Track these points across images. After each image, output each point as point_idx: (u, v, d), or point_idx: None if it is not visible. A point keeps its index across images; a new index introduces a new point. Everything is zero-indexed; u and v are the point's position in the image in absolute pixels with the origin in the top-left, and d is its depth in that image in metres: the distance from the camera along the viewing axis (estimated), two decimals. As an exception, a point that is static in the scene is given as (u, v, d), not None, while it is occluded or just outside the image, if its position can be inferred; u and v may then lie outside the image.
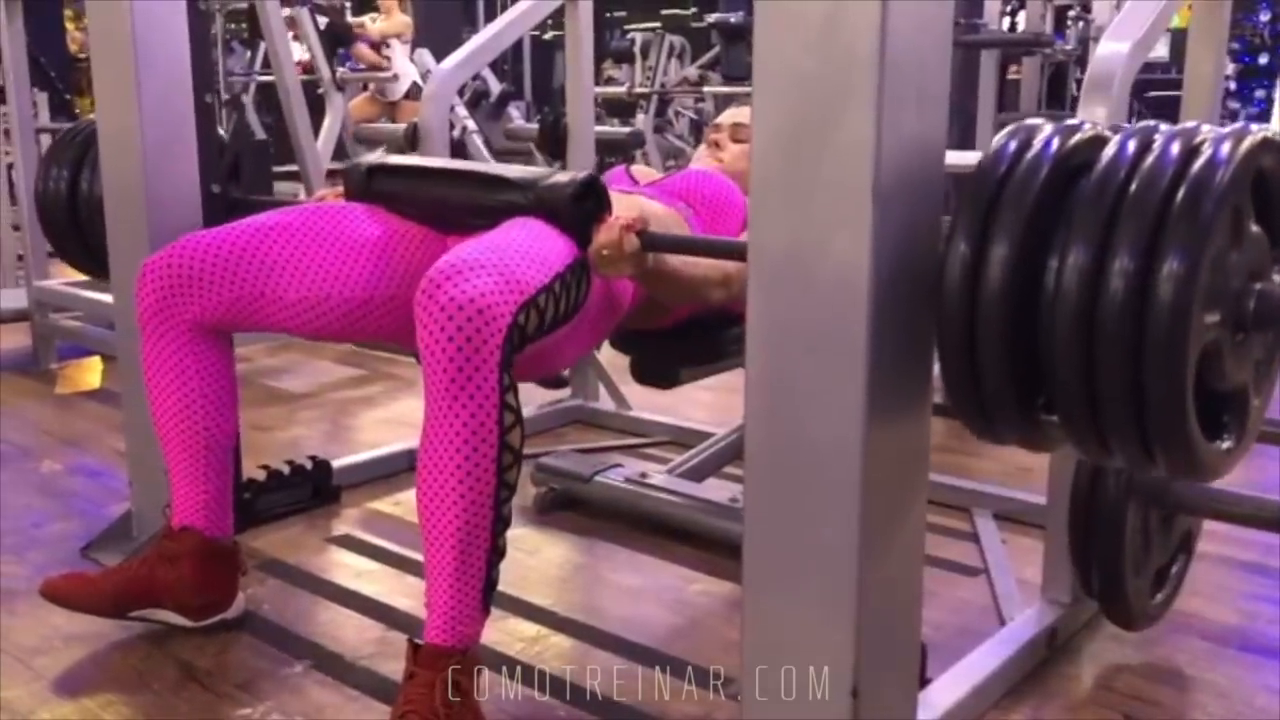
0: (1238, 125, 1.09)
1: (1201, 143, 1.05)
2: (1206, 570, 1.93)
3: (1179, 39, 6.66)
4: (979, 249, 1.08)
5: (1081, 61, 6.44)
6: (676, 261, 1.63)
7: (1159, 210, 1.01)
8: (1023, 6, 6.74)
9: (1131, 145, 1.07)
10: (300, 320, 1.68)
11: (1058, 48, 6.40)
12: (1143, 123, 1.13)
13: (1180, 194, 1.01)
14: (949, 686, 1.49)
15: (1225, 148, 1.03)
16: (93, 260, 2.20)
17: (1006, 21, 7.04)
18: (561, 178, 1.62)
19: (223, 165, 2.25)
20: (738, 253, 1.40)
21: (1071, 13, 6.50)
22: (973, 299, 1.08)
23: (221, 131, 2.38)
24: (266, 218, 1.72)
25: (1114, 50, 1.55)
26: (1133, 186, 1.03)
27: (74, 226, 2.20)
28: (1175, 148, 1.05)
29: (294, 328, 1.70)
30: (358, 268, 1.68)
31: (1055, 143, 1.11)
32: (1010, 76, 6.80)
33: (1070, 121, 1.15)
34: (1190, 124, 1.11)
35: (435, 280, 1.37)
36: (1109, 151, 1.08)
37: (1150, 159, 1.05)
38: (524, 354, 1.43)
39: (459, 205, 1.73)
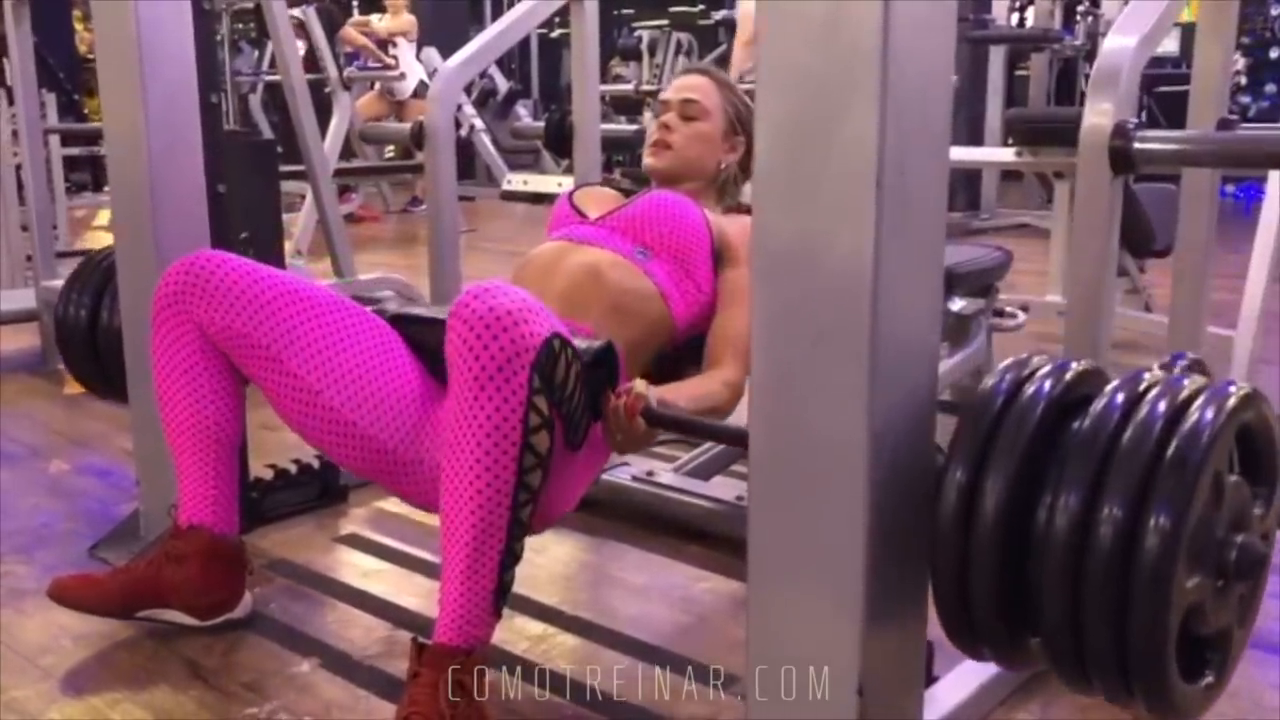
0: (1220, 384, 1.13)
1: (1189, 401, 1.09)
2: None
3: (1189, 33, 6.63)
4: (974, 483, 1.12)
5: (1090, 57, 6.42)
6: (691, 409, 1.60)
7: (1147, 466, 1.06)
8: (1031, 2, 6.72)
9: (1120, 399, 1.12)
10: (284, 396, 1.61)
11: (1066, 43, 6.39)
12: (1129, 372, 1.17)
13: (1168, 454, 1.05)
14: (955, 685, 1.48)
15: (1210, 412, 1.08)
16: (109, 387, 2.23)
17: (1015, 17, 7.02)
18: (580, 343, 1.53)
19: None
20: (738, 439, 1.39)
21: (1080, 8, 6.48)
22: (967, 527, 1.12)
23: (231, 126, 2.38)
24: (312, 284, 1.68)
25: (1121, 44, 1.55)
26: (1123, 440, 1.08)
27: (92, 355, 2.22)
28: (1162, 406, 1.09)
29: (275, 398, 1.63)
30: (362, 391, 1.59)
31: (1048, 384, 1.15)
32: (1019, 72, 6.78)
33: (1061, 361, 1.20)
34: (1176, 375, 1.15)
35: (473, 293, 1.37)
36: (1099, 405, 1.12)
37: (1140, 415, 1.09)
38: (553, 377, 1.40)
39: None
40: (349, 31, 7.38)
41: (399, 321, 1.71)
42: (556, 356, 1.38)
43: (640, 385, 1.51)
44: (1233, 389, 1.11)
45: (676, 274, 1.80)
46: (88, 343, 2.23)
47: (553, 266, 1.78)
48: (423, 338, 1.67)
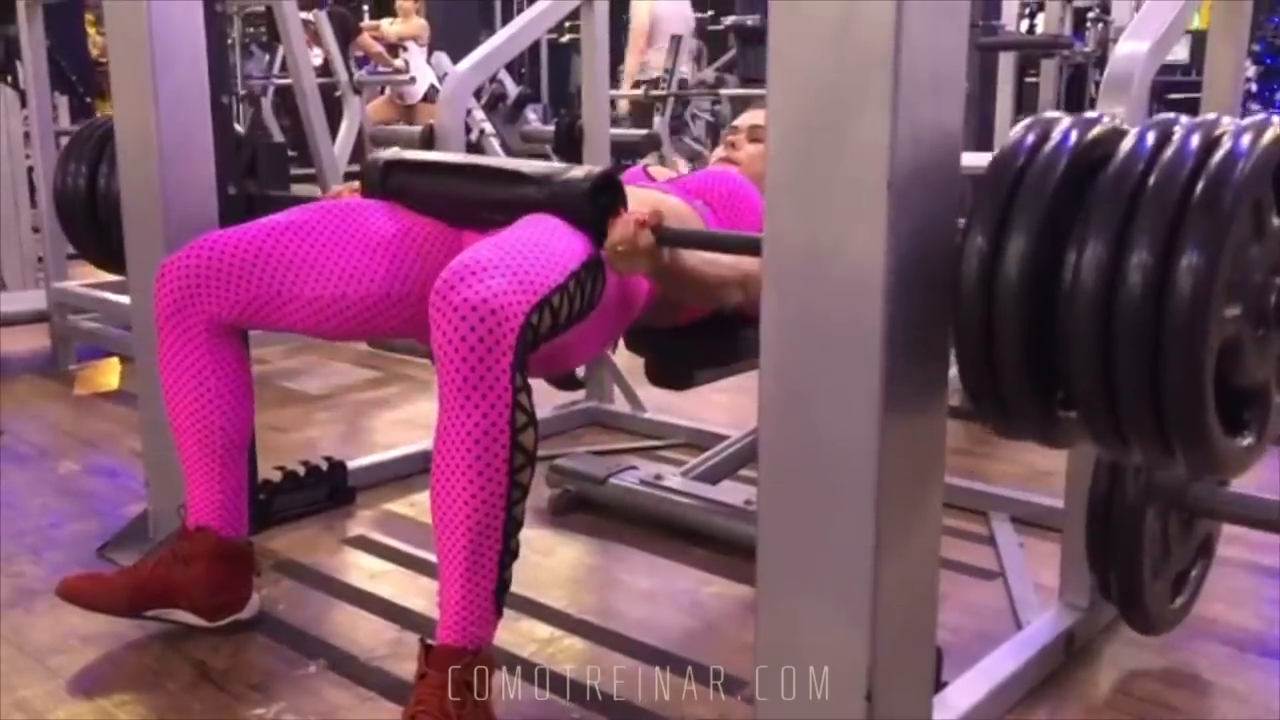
0: (1259, 117, 1.08)
1: (1221, 135, 1.04)
2: (1227, 575, 1.91)
3: (1199, 41, 6.61)
4: (996, 242, 1.07)
5: (1100, 63, 6.39)
6: (694, 260, 1.62)
7: (1178, 203, 1.00)
8: (1041, 8, 6.71)
9: (1150, 137, 1.06)
10: (317, 319, 1.68)
11: (1076, 50, 6.37)
12: (1162, 115, 1.11)
13: (1200, 187, 1.00)
14: (964, 690, 1.47)
15: (1246, 140, 1.02)
16: (110, 256, 2.21)
17: (1025, 24, 7.01)
18: (578, 172, 1.62)
19: (240, 162, 2.25)
20: (753, 247, 1.39)
21: (1091, 14, 6.46)
22: (990, 293, 1.07)
23: (239, 128, 2.39)
24: (283, 217, 1.72)
25: (1133, 49, 1.54)
26: (1151, 179, 1.02)
27: (92, 223, 2.21)
28: (1195, 140, 1.03)
29: (310, 327, 1.70)
30: (373, 266, 1.68)
31: (1073, 135, 1.09)
32: (1028, 79, 6.77)
33: (1089, 114, 1.14)
34: (1210, 116, 1.09)
35: (449, 281, 1.37)
36: (1127, 144, 1.07)
37: (1169, 151, 1.04)
38: (538, 353, 1.42)
39: (475, 200, 1.73)
40: (366, 39, 7.36)
41: (389, 167, 1.81)
42: (538, 326, 1.40)
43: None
44: (1276, 119, 1.04)
45: (728, 225, 1.89)
46: (88, 211, 2.22)
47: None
48: (411, 182, 1.78)
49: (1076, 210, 1.06)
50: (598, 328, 1.63)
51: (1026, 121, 1.14)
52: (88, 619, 1.72)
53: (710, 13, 10.53)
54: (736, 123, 2.21)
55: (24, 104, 3.85)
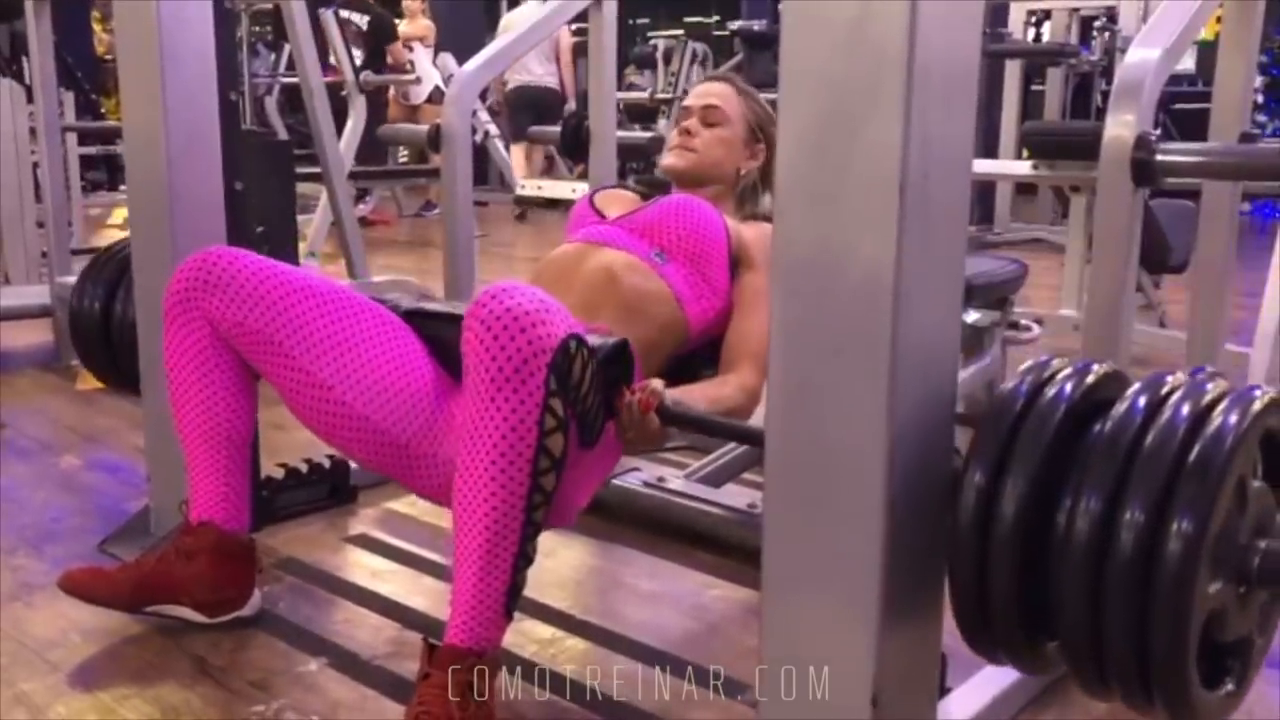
0: (1245, 388, 1.12)
1: (1212, 405, 1.08)
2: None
3: (1205, 52, 6.62)
4: (994, 481, 1.11)
5: (1106, 72, 6.41)
6: (706, 410, 1.60)
7: (1170, 470, 1.04)
8: (1048, 17, 6.72)
9: (1143, 402, 1.10)
10: (296, 390, 1.62)
11: (1083, 59, 6.37)
12: (1152, 375, 1.15)
13: (1191, 457, 1.04)
14: (969, 696, 1.47)
15: (1234, 417, 1.06)
16: (122, 379, 2.23)
17: (1031, 32, 7.01)
18: (593, 340, 1.53)
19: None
20: (754, 439, 1.39)
21: (1097, 23, 6.47)
22: (986, 529, 1.11)
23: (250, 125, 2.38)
24: (324, 280, 1.69)
25: (1144, 57, 1.54)
26: (1145, 444, 1.06)
27: (105, 347, 2.23)
28: (1186, 409, 1.08)
29: (286, 392, 1.63)
30: (374, 384, 1.60)
31: (1069, 386, 1.14)
32: (1034, 87, 6.77)
33: (1081, 363, 1.18)
34: (1200, 379, 1.13)
35: (490, 293, 1.36)
36: (1121, 408, 1.11)
37: (1162, 418, 1.08)
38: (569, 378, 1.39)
39: None
40: (399, 50, 7.29)
41: (413, 317, 1.71)
42: (573, 357, 1.38)
43: (656, 383, 1.50)
44: (1258, 393, 1.10)
45: (692, 277, 1.80)
46: (102, 335, 2.24)
47: (570, 269, 1.79)
48: (437, 332, 1.68)
49: (1072, 458, 1.11)
50: (598, 464, 1.60)
51: (1025, 366, 1.19)
52: (88, 613, 1.72)
53: (716, 18, 10.55)
54: (688, 102, 2.01)
55: (30, 99, 3.85)
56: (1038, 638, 1.15)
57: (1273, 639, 1.22)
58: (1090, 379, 1.15)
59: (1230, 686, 1.15)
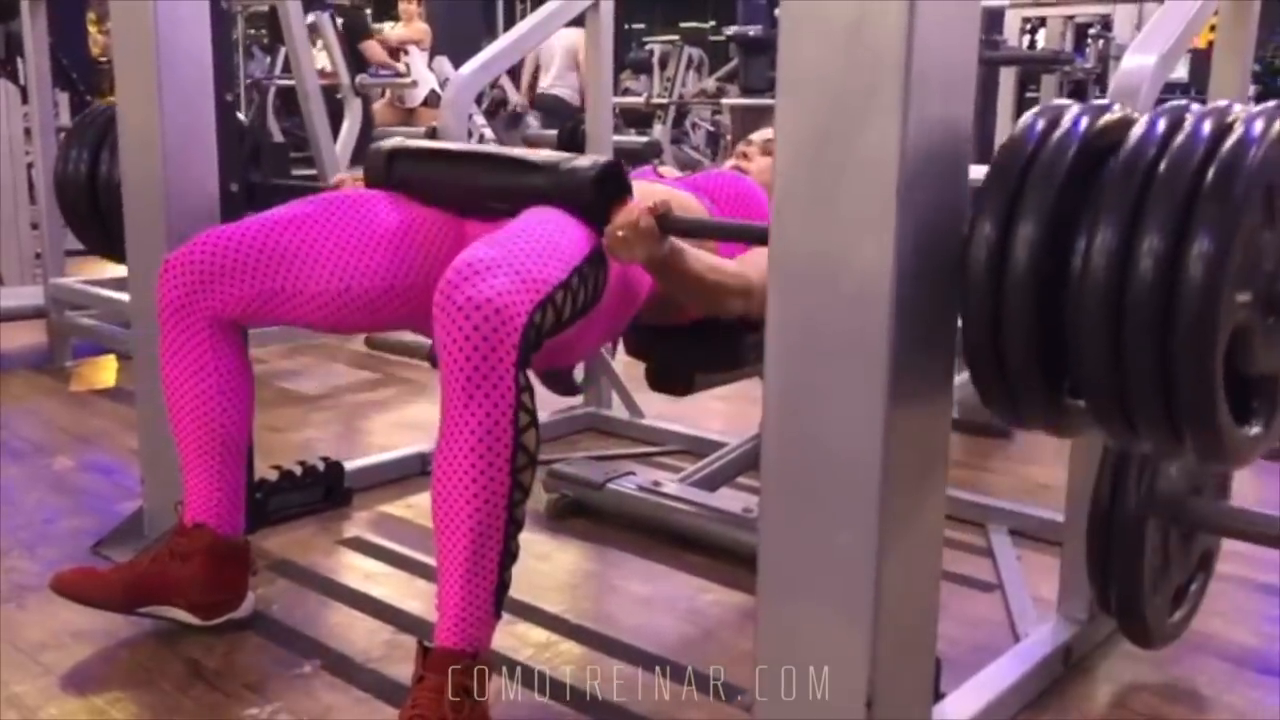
0: (1271, 104, 1.07)
1: (1233, 122, 1.03)
2: (1225, 591, 1.90)
3: (1198, 60, 6.64)
4: (1005, 228, 1.06)
5: (1101, 80, 6.42)
6: (696, 265, 1.61)
7: (1189, 189, 0.99)
8: (1043, 24, 6.73)
9: (1161, 124, 1.06)
10: (322, 314, 1.68)
11: (1077, 66, 6.39)
12: (1173, 102, 1.11)
13: (1211, 173, 0.99)
14: (962, 701, 1.47)
15: (1258, 126, 1.01)
16: (111, 244, 2.20)
17: (1026, 39, 7.03)
18: (583, 161, 1.63)
19: (244, 153, 2.24)
20: (758, 237, 1.38)
21: (1092, 31, 6.49)
22: (998, 279, 1.06)
23: (242, 116, 2.37)
24: (285, 210, 1.72)
25: (1140, 62, 1.54)
26: (1162, 165, 1.01)
27: (93, 210, 2.20)
28: (1206, 127, 1.03)
29: (315, 321, 1.70)
30: (377, 258, 1.68)
31: (1084, 122, 1.09)
32: (1029, 94, 6.79)
33: (1099, 102, 1.13)
34: (1222, 103, 1.08)
35: (452, 281, 1.37)
36: (1138, 131, 1.06)
37: (1180, 138, 1.03)
38: (540, 350, 1.42)
39: (479, 188, 1.73)
40: (373, 46, 7.35)
41: (392, 156, 1.80)
42: (541, 324, 1.40)
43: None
44: None
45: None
46: (89, 198, 2.21)
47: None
48: (412, 171, 1.78)
49: (1086, 197, 1.05)
50: (599, 323, 1.63)
51: (1036, 109, 1.13)
52: (81, 615, 1.71)
53: (712, 23, 10.57)
54: (752, 136, 2.21)
55: (25, 100, 3.84)
56: (1058, 390, 1.10)
57: None
58: (1106, 117, 1.09)
59: (1258, 428, 1.09)
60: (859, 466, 1.11)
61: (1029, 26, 6.99)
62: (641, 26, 12.89)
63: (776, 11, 1.14)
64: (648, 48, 8.97)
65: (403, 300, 1.70)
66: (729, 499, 2.18)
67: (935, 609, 1.25)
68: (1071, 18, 6.46)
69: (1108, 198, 1.02)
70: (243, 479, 1.76)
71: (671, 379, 1.90)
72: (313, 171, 3.72)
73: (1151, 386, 1.01)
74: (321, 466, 2.30)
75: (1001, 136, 6.36)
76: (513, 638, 1.73)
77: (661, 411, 2.80)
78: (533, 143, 5.69)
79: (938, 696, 1.39)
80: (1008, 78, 6.17)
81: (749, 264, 1.77)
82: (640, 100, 8.07)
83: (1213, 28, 1.97)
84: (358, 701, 1.57)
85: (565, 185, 1.60)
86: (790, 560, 1.18)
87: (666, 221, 1.52)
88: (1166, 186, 0.99)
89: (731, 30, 7.83)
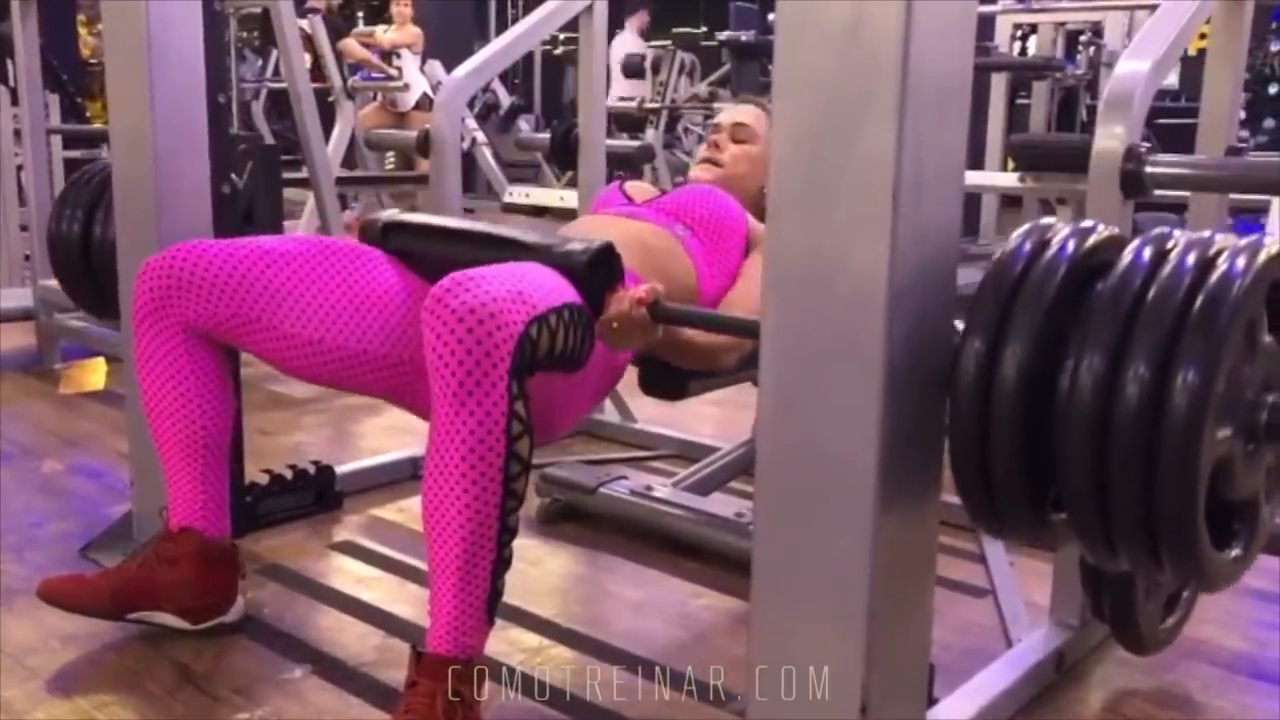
0: (1253, 237, 1.10)
1: (1217, 254, 1.06)
2: (1218, 597, 1.90)
3: (1189, 67, 6.66)
4: (994, 345, 1.09)
5: (1092, 86, 6.45)
6: (694, 336, 1.62)
7: (1175, 321, 1.02)
8: (1034, 31, 6.75)
9: (1147, 253, 1.08)
10: (287, 355, 1.64)
11: (1068, 72, 6.41)
12: (1158, 229, 1.13)
13: (1196, 306, 1.02)
14: (955, 707, 1.47)
15: (1241, 262, 1.04)
16: (102, 303, 2.19)
17: (1017, 45, 7.05)
18: (576, 245, 1.58)
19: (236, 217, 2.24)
20: (751, 331, 1.38)
21: (1083, 38, 6.51)
22: (986, 394, 1.09)
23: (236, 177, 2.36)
24: (279, 242, 1.69)
25: (1134, 69, 1.55)
26: (1149, 296, 1.04)
27: (85, 269, 2.19)
28: (1191, 258, 1.05)
29: (279, 360, 1.65)
30: (358, 319, 1.63)
31: (1071, 245, 1.12)
32: (1020, 100, 6.81)
33: (1084, 224, 1.16)
34: (1204, 234, 1.11)
35: (445, 287, 1.35)
36: (1125, 259, 1.08)
37: (1167, 269, 1.06)
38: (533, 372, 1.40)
39: (470, 266, 1.69)
40: (350, 44, 7.39)
41: (387, 230, 1.75)
42: (536, 341, 1.37)
43: (654, 284, 1.54)
44: (1268, 241, 1.07)
45: (712, 254, 1.88)
46: (81, 257, 2.20)
47: (601, 230, 1.81)
48: (411, 246, 1.73)
49: (1074, 318, 1.08)
50: (584, 389, 1.61)
51: (1025, 228, 1.16)
52: (69, 619, 1.70)
53: (705, 28, 10.58)
54: (719, 119, 2.14)
55: (15, 102, 3.83)
56: (1042, 506, 1.11)
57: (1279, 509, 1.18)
58: (1092, 239, 1.11)
59: (1238, 550, 1.11)
60: (854, 470, 1.10)
61: (1020, 33, 7.01)
62: (634, 31, 12.90)
63: (769, 16, 1.13)
64: (641, 52, 8.98)
65: (374, 367, 1.64)
66: (722, 504, 2.17)
67: (929, 614, 1.25)
68: (1063, 24, 6.48)
69: (1096, 323, 1.05)
70: (227, 482, 1.75)
71: (664, 384, 1.89)
72: (304, 175, 3.71)
73: (1134, 512, 1.03)
74: (312, 470, 2.29)
75: (993, 141, 6.40)
76: (504, 642, 1.72)
77: (654, 416, 2.79)
78: (525, 145, 5.70)
79: (931, 701, 1.39)
80: (999, 84, 6.20)
81: (735, 307, 1.79)
82: (633, 105, 8.08)
83: (1204, 35, 1.97)
84: (349, 706, 1.56)
85: (558, 267, 1.57)
86: (784, 564, 1.18)
87: (658, 311, 1.50)
88: (1153, 317, 1.02)
89: (724, 35, 7.85)
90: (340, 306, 1.63)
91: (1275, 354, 1.10)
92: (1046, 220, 1.16)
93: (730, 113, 2.12)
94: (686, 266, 1.84)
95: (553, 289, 1.46)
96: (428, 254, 1.72)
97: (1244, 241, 1.07)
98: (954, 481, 1.15)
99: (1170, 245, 1.08)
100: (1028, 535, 1.17)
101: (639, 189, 2.08)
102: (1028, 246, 1.12)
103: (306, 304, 1.63)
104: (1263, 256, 1.05)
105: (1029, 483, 1.09)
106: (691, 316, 1.60)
